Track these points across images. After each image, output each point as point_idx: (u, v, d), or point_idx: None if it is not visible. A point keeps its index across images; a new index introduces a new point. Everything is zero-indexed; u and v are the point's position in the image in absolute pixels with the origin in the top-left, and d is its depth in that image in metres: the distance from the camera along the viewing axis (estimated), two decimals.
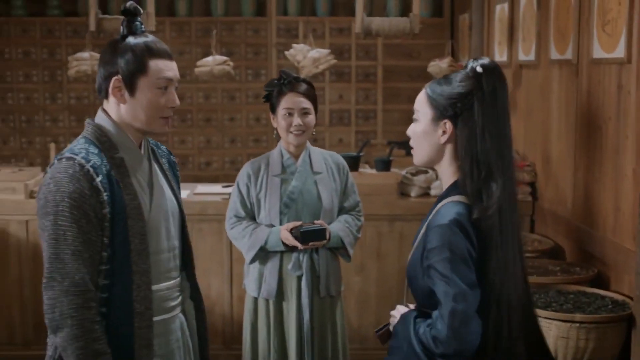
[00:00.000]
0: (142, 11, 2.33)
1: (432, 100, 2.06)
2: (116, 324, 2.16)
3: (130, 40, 2.23)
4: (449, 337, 1.89)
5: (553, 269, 3.74)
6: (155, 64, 2.22)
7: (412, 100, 7.28)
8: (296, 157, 3.41)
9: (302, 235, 3.25)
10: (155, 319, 2.24)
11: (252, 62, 7.45)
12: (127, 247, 2.16)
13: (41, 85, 7.42)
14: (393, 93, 7.47)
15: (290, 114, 3.33)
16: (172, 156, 2.52)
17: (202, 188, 4.95)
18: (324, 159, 3.45)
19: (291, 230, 3.29)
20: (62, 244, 2.07)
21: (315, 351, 3.36)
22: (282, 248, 3.31)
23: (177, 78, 2.28)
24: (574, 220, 3.98)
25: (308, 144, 3.46)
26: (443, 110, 2.03)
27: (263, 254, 3.37)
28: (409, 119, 7.37)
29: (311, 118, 3.37)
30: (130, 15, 2.27)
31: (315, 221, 3.33)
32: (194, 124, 7.49)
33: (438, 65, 4.77)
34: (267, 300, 3.37)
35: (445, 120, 2.04)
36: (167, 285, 2.32)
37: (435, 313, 1.95)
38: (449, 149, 2.06)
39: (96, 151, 2.18)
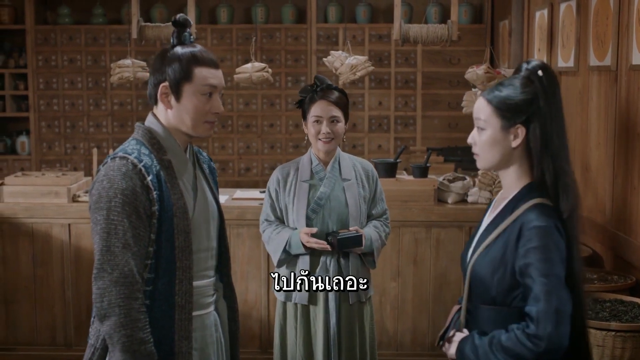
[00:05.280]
0: (192, 23, 2.46)
1: (499, 111, 2.13)
2: (158, 316, 2.27)
3: (178, 49, 2.36)
4: (552, 335, 1.96)
5: (590, 277, 3.71)
6: (200, 72, 2.33)
7: (452, 107, 7.27)
8: (326, 163, 3.44)
9: (339, 242, 3.27)
10: (193, 313, 2.35)
11: (292, 68, 7.51)
12: (173, 244, 2.28)
13: (85, 91, 7.57)
14: (432, 99, 7.47)
15: (319, 122, 3.36)
16: (212, 163, 2.63)
17: (240, 193, 5.01)
18: (353, 166, 3.47)
19: (327, 237, 3.32)
20: (113, 237, 2.19)
21: (343, 355, 3.37)
22: (303, 251, 3.34)
23: (221, 85, 2.39)
24: (612, 229, 3.95)
25: (339, 149, 3.48)
26: (513, 117, 2.11)
27: (290, 257, 3.40)
28: (448, 125, 7.34)
29: (340, 126, 3.38)
30: (180, 27, 2.41)
31: (351, 228, 3.35)
32: (234, 130, 7.57)
33: (475, 72, 4.75)
34: (295, 304, 3.40)
35: (518, 126, 2.11)
36: (204, 283, 2.42)
37: (532, 312, 2.00)
38: (518, 152, 2.14)
39: (147, 152, 2.31)
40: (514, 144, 2.12)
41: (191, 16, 5.12)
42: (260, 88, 7.32)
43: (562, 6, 4.83)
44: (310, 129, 3.39)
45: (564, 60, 4.79)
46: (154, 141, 2.34)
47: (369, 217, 3.49)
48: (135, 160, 2.25)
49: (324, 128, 3.35)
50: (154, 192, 2.25)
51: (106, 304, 2.17)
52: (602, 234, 4.10)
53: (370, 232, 3.40)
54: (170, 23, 5.12)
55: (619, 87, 3.89)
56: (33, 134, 7.58)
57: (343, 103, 3.40)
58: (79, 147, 7.61)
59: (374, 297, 4.40)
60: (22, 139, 7.62)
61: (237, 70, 5.13)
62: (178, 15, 2.42)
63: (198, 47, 2.39)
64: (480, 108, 2.17)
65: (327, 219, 3.38)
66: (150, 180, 2.24)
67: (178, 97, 2.34)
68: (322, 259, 3.36)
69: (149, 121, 2.40)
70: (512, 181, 2.18)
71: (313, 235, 3.31)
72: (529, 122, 2.10)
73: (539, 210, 2.07)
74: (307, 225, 3.36)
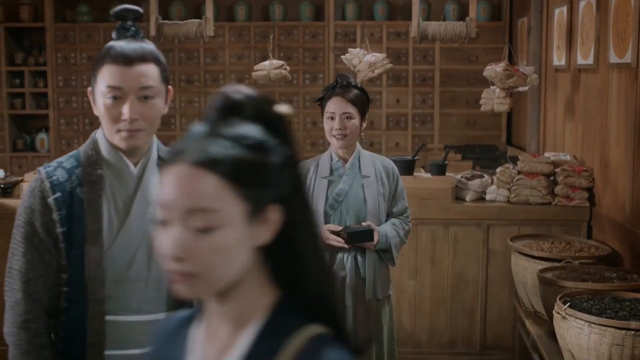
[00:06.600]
0: (140, 12, 2.15)
1: (237, 185, 1.18)
2: (70, 350, 2.06)
3: (105, 46, 2.08)
4: None
5: (609, 275, 3.69)
6: (106, 70, 2.01)
7: (470, 105, 7.23)
8: (345, 160, 3.45)
9: (349, 236, 3.28)
10: (117, 352, 2.04)
11: (310, 66, 7.51)
12: (82, 273, 2.01)
13: None
14: (450, 97, 7.45)
15: (332, 118, 3.37)
16: None
17: None
18: (373, 163, 3.47)
19: (340, 231, 3.32)
20: (13, 259, 2.03)
21: None
22: None
23: (131, 86, 2.00)
24: (632, 227, 3.92)
25: (359, 147, 3.48)
26: (265, 192, 1.22)
27: None
28: (466, 123, 7.32)
29: (353, 123, 3.38)
30: (118, 19, 2.11)
31: (363, 223, 3.35)
32: None
33: (494, 70, 4.73)
34: None
35: (270, 206, 1.22)
36: (139, 319, 2.06)
37: None
38: (254, 253, 1.24)
39: (69, 166, 2.07)
40: (264, 237, 1.22)
41: (209, 14, 5.13)
42: (278, 85, 7.30)
43: (582, 3, 4.80)
44: (325, 125, 3.41)
45: (583, 58, 4.76)
46: (92, 152, 2.08)
47: (390, 215, 3.49)
48: (44, 175, 2.03)
49: (336, 124, 3.36)
50: (57, 213, 2.00)
51: (6, 330, 2.02)
52: (621, 232, 4.07)
53: (386, 228, 3.39)
54: (189, 21, 5.14)
55: (639, 85, 3.86)
56: (52, 131, 7.62)
57: (360, 101, 3.40)
58: None
59: None
60: (42, 136, 7.67)
61: (255, 67, 5.14)
62: (118, 7, 2.10)
63: (123, 42, 2.04)
64: (205, 193, 1.17)
65: (344, 215, 3.38)
66: (55, 198, 2.00)
67: (95, 102, 2.05)
68: (339, 255, 3.36)
69: (99, 131, 2.12)
70: (245, 305, 1.25)
71: (332, 232, 3.32)
72: (283, 196, 1.23)
73: (329, 349, 1.22)
74: (325, 221, 3.36)
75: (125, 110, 1.99)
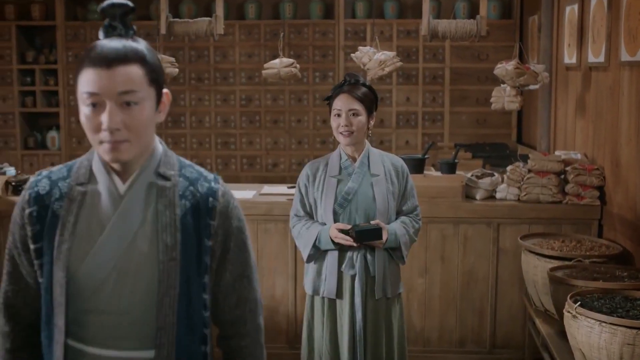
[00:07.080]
0: (122, 8, 1.85)
1: None
2: None
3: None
4: None
5: (620, 274, 3.67)
6: (84, 75, 1.77)
7: (480, 103, 7.23)
8: (354, 158, 3.45)
9: (357, 235, 3.29)
10: None
11: (320, 64, 7.51)
12: (51, 295, 1.83)
13: None
14: (460, 95, 7.43)
15: (339, 115, 3.39)
16: (212, 198, 1.91)
17: (268, 189, 5.02)
18: (383, 162, 3.47)
19: (348, 230, 3.33)
20: (4, 262, 1.94)
21: (368, 351, 3.38)
22: (332, 247, 3.36)
23: (111, 92, 1.75)
24: None
25: (368, 145, 3.48)
26: None
27: (319, 253, 3.42)
28: (476, 121, 7.31)
29: (359, 119, 3.39)
30: (107, 16, 1.86)
31: (372, 221, 3.36)
32: (261, 125, 7.59)
33: (504, 68, 4.72)
34: (322, 299, 3.43)
35: None
36: (108, 354, 1.84)
37: None
38: None
39: (57, 177, 1.89)
40: None
41: (219, 12, 5.13)
42: (288, 84, 7.32)
43: (593, 1, 4.78)
44: (332, 122, 3.43)
45: (594, 56, 4.74)
46: (85, 163, 1.90)
47: (399, 214, 3.49)
48: (28, 185, 1.87)
49: (343, 121, 3.37)
50: (31, 228, 1.83)
51: None
52: (632, 231, 4.06)
53: (395, 227, 3.40)
54: (199, 19, 5.15)
55: None
56: (63, 129, 7.65)
57: (367, 99, 3.41)
58: None
59: None
60: (52, 134, 7.70)
61: (265, 65, 5.14)
62: (105, 2, 1.83)
63: (104, 42, 1.80)
64: None
65: (354, 214, 3.39)
66: (30, 212, 1.84)
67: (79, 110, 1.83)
68: (349, 254, 3.37)
69: None
70: None
71: (341, 231, 3.33)
72: None
73: None
74: (334, 220, 3.37)
75: (104, 118, 1.75)
